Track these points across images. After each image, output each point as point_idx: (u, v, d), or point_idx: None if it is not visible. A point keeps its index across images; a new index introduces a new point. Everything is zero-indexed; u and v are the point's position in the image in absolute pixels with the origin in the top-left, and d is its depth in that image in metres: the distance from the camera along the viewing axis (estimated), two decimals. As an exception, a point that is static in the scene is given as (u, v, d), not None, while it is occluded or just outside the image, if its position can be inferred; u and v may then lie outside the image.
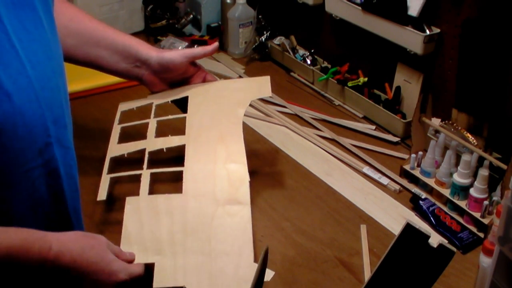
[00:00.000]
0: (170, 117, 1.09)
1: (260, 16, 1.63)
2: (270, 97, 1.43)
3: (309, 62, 1.53)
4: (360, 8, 1.31)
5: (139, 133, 1.07)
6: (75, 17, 1.04)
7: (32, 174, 0.71)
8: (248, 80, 1.18)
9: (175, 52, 1.08)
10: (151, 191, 0.93)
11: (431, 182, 1.11)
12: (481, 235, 1.01)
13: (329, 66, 1.50)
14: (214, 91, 1.11)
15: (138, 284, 0.79)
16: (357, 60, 1.44)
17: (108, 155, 1.03)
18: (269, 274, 0.80)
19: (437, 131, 1.14)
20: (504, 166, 0.99)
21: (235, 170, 0.95)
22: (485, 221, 1.00)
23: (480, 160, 1.05)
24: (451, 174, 1.07)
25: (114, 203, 1.05)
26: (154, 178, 0.95)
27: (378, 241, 1.01)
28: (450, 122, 1.14)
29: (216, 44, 1.12)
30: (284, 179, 1.16)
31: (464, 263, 0.96)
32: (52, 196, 0.75)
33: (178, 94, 1.11)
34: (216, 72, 1.49)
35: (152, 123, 1.08)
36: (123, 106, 1.15)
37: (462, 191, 1.04)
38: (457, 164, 1.06)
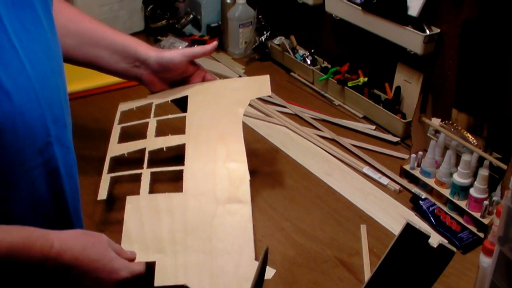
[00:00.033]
0: (170, 116, 1.09)
1: (260, 16, 1.63)
2: (270, 97, 1.44)
3: (309, 62, 1.53)
4: (360, 8, 1.31)
5: (139, 133, 1.07)
6: (73, 17, 1.04)
7: (32, 173, 0.71)
8: (247, 79, 1.18)
9: (174, 51, 1.08)
10: (151, 191, 0.93)
11: (431, 182, 1.11)
12: (481, 235, 1.01)
13: (329, 66, 1.50)
14: (214, 90, 1.11)
15: (139, 282, 0.79)
16: (357, 60, 1.44)
17: (108, 155, 1.03)
18: (270, 272, 0.80)
19: (437, 131, 1.14)
20: (504, 166, 0.99)
21: (236, 169, 0.95)
22: (485, 221, 1.00)
23: (480, 160, 1.05)
24: (451, 174, 1.07)
25: (114, 203, 1.05)
26: (154, 178, 0.95)
27: (378, 241, 1.01)
28: (450, 122, 1.14)
29: (215, 43, 1.12)
30: (284, 179, 1.16)
31: (464, 263, 0.96)
32: (52, 195, 0.76)
33: (178, 93, 1.11)
34: (216, 72, 1.49)
35: (152, 123, 1.08)
36: (123, 106, 1.16)
37: (462, 191, 1.04)
38: (457, 164, 1.06)
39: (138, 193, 0.92)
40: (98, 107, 1.36)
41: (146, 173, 0.96)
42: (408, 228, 0.71)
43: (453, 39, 1.18)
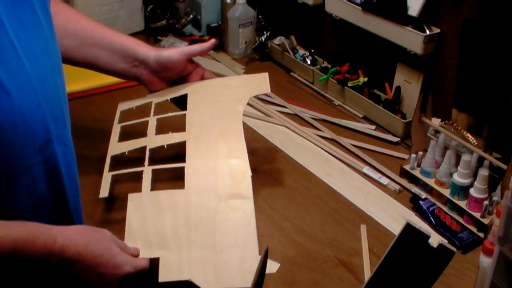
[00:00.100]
0: (170, 114, 1.10)
1: (260, 16, 1.63)
2: (270, 97, 1.44)
3: (309, 62, 1.53)
4: (360, 8, 1.31)
5: (139, 132, 1.07)
6: (72, 18, 1.04)
7: (32, 171, 0.71)
8: (246, 77, 1.18)
9: (173, 50, 1.08)
10: (152, 190, 0.93)
11: (431, 182, 1.11)
12: (481, 235, 1.01)
13: (329, 66, 1.50)
14: (213, 89, 1.11)
15: (143, 278, 0.79)
16: (357, 60, 1.44)
17: (109, 154, 1.03)
18: (274, 266, 0.80)
19: (437, 131, 1.14)
20: (504, 166, 0.99)
21: (237, 165, 0.96)
22: (485, 221, 1.00)
23: (480, 160, 1.05)
24: (451, 174, 1.07)
25: (114, 203, 1.05)
26: (155, 178, 0.95)
27: (378, 241, 1.01)
28: (450, 122, 1.14)
29: (213, 40, 1.12)
30: (284, 179, 1.16)
31: (464, 263, 0.96)
32: (53, 194, 0.76)
33: (177, 92, 1.11)
34: (216, 72, 1.48)
35: (152, 121, 1.08)
36: (123, 106, 1.16)
37: (462, 191, 1.04)
38: (457, 164, 1.06)
39: (139, 192, 0.92)
40: (98, 107, 1.36)
41: (147, 171, 0.96)
42: (408, 228, 0.71)
43: (453, 39, 1.18)
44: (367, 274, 0.93)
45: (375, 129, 1.33)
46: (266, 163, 1.20)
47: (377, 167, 1.19)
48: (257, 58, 1.63)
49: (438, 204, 1.08)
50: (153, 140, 1.04)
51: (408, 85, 1.30)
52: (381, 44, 1.30)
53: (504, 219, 0.67)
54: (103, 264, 0.73)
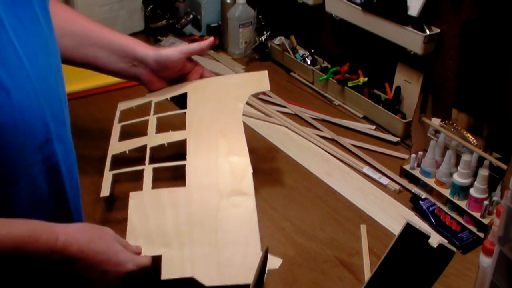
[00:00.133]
0: (170, 113, 1.10)
1: (260, 16, 1.63)
2: (270, 97, 1.44)
3: (309, 62, 1.53)
4: (360, 8, 1.31)
5: (139, 132, 1.07)
6: (70, 18, 1.04)
7: (32, 170, 0.71)
8: (246, 75, 1.18)
9: (172, 49, 1.08)
10: (153, 189, 0.93)
11: (431, 182, 1.11)
12: (481, 235, 1.01)
13: (329, 66, 1.50)
14: (212, 87, 1.11)
15: (146, 275, 0.78)
16: (357, 60, 1.44)
17: (110, 153, 1.03)
18: (277, 262, 0.80)
19: (437, 131, 1.14)
20: (504, 166, 0.99)
21: (238, 162, 0.96)
22: (485, 221, 1.00)
23: (480, 160, 1.05)
24: (451, 174, 1.07)
25: (114, 203, 1.05)
26: (155, 177, 0.95)
27: (378, 241, 1.01)
28: (450, 122, 1.14)
29: (211, 38, 1.12)
30: (284, 179, 1.16)
31: (464, 263, 0.96)
32: (53, 193, 0.76)
33: (177, 90, 1.11)
34: (216, 72, 1.48)
35: (152, 120, 1.08)
36: (123, 105, 1.16)
37: (462, 191, 1.04)
38: (457, 164, 1.06)
39: (139, 191, 0.92)
40: (98, 107, 1.36)
41: (148, 169, 0.96)
42: (408, 228, 0.71)
43: (453, 39, 1.18)
44: (367, 274, 0.93)
45: (375, 129, 1.33)
46: (266, 163, 1.21)
47: (377, 167, 1.19)
48: (257, 58, 1.63)
49: (438, 204, 1.08)
50: (153, 139, 1.04)
51: (408, 85, 1.30)
52: (381, 44, 1.30)
53: (504, 219, 0.67)
54: (105, 261, 0.73)
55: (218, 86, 1.12)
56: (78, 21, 1.05)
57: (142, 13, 1.72)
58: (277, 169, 1.19)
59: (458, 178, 1.04)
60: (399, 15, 1.21)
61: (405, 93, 1.32)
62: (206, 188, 0.91)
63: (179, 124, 1.05)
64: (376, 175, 1.17)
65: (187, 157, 0.97)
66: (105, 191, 0.95)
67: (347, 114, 1.39)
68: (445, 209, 1.07)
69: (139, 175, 0.96)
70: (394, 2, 1.22)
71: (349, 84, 1.40)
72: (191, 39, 1.68)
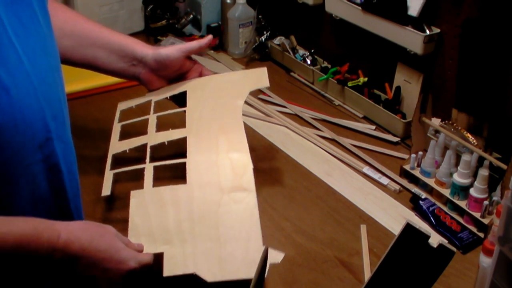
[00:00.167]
0: (169, 111, 1.10)
1: (260, 16, 1.63)
2: (270, 97, 1.44)
3: (309, 62, 1.53)
4: (360, 8, 1.31)
5: (139, 131, 1.07)
6: (69, 19, 1.04)
7: (32, 169, 0.71)
8: (245, 72, 1.18)
9: (171, 47, 1.08)
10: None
11: (431, 182, 1.11)
12: (481, 235, 1.01)
13: (329, 66, 1.50)
14: (212, 85, 1.11)
15: (147, 273, 0.79)
16: (357, 60, 1.44)
17: (110, 152, 1.03)
18: (279, 256, 0.80)
19: (437, 131, 1.14)
20: (504, 166, 0.99)
21: (238, 158, 0.96)
22: (485, 221, 1.00)
23: (480, 160, 1.05)
24: (451, 174, 1.07)
25: (115, 202, 1.05)
26: (156, 176, 0.95)
27: (378, 241, 1.01)
28: (450, 122, 1.14)
29: (210, 36, 1.12)
30: (284, 179, 1.16)
31: (464, 263, 0.96)
32: (53, 192, 0.76)
33: (176, 89, 1.11)
34: (216, 72, 1.48)
35: (152, 119, 1.08)
36: (122, 105, 1.16)
37: (462, 191, 1.04)
38: (457, 164, 1.06)
39: (140, 189, 0.92)
40: (98, 107, 1.36)
41: (149, 168, 0.96)
42: (408, 228, 0.71)
43: (453, 39, 1.18)
44: (367, 274, 0.93)
45: (375, 129, 1.33)
46: (266, 163, 1.21)
47: (377, 167, 1.19)
48: (257, 58, 1.63)
49: (438, 204, 1.08)
50: (153, 138, 1.04)
51: (408, 85, 1.30)
52: (381, 44, 1.30)
53: (504, 219, 0.67)
54: (107, 259, 0.73)
55: (218, 84, 1.12)
56: (77, 22, 1.05)
57: (142, 13, 1.72)
58: (277, 169, 1.19)
59: (458, 178, 1.04)
60: (399, 15, 1.21)
61: (405, 93, 1.32)
62: (207, 185, 0.92)
63: (179, 122, 1.05)
64: (376, 175, 1.17)
65: (187, 154, 0.97)
66: (106, 190, 0.95)
67: (347, 114, 1.39)
68: (445, 209, 1.07)
69: (139, 175, 0.96)
70: (394, 2, 1.22)
71: (349, 84, 1.40)
72: (191, 39, 1.67)
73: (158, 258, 0.80)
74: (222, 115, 1.04)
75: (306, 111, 1.39)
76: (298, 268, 0.95)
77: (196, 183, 0.92)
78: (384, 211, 1.08)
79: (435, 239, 0.71)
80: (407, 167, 1.15)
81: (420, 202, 1.07)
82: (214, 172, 0.93)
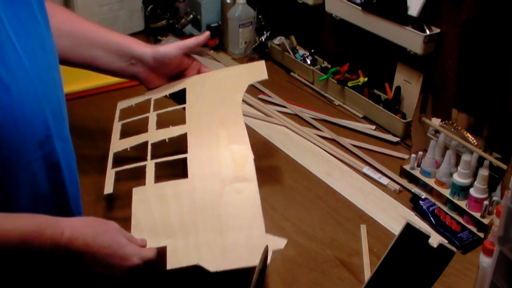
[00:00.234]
0: (169, 109, 1.10)
1: (260, 16, 1.63)
2: (270, 97, 1.44)
3: (309, 62, 1.53)
4: (360, 8, 1.31)
5: (139, 129, 1.07)
6: (67, 19, 1.04)
7: (33, 167, 0.72)
8: (243, 66, 1.18)
9: (169, 45, 1.09)
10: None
11: (431, 182, 1.11)
12: (481, 235, 1.01)
13: (329, 66, 1.50)
14: (211, 80, 1.12)
15: (151, 268, 0.79)
16: (357, 60, 1.44)
17: (111, 151, 1.04)
18: (281, 242, 0.80)
19: (437, 131, 1.14)
20: (504, 166, 0.99)
21: (239, 149, 0.96)
22: (485, 221, 1.00)
23: (480, 160, 1.05)
24: (451, 174, 1.07)
25: (115, 202, 1.05)
26: (157, 175, 0.95)
27: (378, 241, 1.01)
28: (450, 122, 1.14)
29: (207, 33, 1.13)
30: (284, 179, 1.16)
31: (464, 263, 0.96)
32: (53, 189, 0.76)
33: (175, 87, 1.11)
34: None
35: (152, 117, 1.08)
36: (122, 104, 1.16)
37: (462, 191, 1.04)
38: (457, 164, 1.06)
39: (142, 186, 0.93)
40: (98, 107, 1.36)
41: (150, 165, 0.96)
42: (408, 228, 0.71)
43: (453, 39, 1.18)
44: (367, 274, 0.93)
45: (375, 129, 1.33)
46: (266, 163, 1.21)
47: (377, 167, 1.19)
48: (257, 58, 1.63)
49: (438, 204, 1.08)
50: (154, 135, 1.04)
51: (408, 85, 1.30)
52: (381, 44, 1.30)
53: (504, 219, 0.67)
54: (111, 255, 0.73)
55: (216, 79, 1.12)
56: (75, 22, 1.05)
57: (142, 13, 1.72)
58: (277, 169, 1.19)
59: (458, 178, 1.04)
60: (399, 15, 1.21)
61: (405, 93, 1.32)
62: (208, 177, 0.92)
63: (179, 119, 1.05)
64: (376, 175, 1.17)
65: (188, 150, 0.97)
66: (108, 189, 0.95)
67: (347, 114, 1.39)
68: (445, 209, 1.07)
69: (139, 174, 0.96)
70: (394, 2, 1.22)
71: (349, 84, 1.40)
72: (191, 39, 1.68)
73: (161, 256, 0.80)
74: (222, 109, 1.04)
75: (306, 111, 1.39)
76: (298, 268, 0.95)
77: (197, 176, 0.92)
78: (384, 211, 1.08)
79: (435, 239, 0.71)
80: (407, 167, 1.15)
81: (420, 202, 1.07)
82: (215, 164, 0.94)
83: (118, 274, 0.75)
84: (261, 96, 1.45)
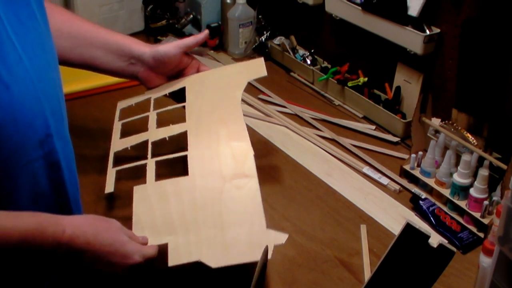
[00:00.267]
0: (169, 107, 1.10)
1: (260, 16, 1.63)
2: (270, 97, 1.44)
3: (309, 62, 1.53)
4: (360, 8, 1.31)
5: (140, 129, 1.07)
6: (66, 19, 1.04)
7: (33, 166, 0.72)
8: (242, 64, 1.18)
9: (168, 44, 1.09)
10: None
11: (431, 182, 1.11)
12: (481, 235, 1.01)
13: (329, 66, 1.50)
14: (210, 79, 1.12)
15: (152, 266, 0.79)
16: (357, 60, 1.44)
17: (112, 150, 1.04)
18: (283, 237, 0.80)
19: (437, 131, 1.14)
20: (504, 166, 1.00)
21: (239, 146, 0.96)
22: (485, 221, 1.00)
23: (480, 160, 1.05)
24: (451, 174, 1.07)
25: (115, 201, 1.05)
26: (157, 173, 0.95)
27: (378, 241, 1.01)
28: (450, 122, 1.14)
29: (206, 31, 1.13)
30: (284, 179, 1.16)
31: (464, 263, 0.96)
32: (53, 188, 0.76)
33: (175, 85, 1.11)
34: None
35: (152, 116, 1.09)
36: (122, 104, 1.16)
37: (462, 191, 1.04)
38: (457, 164, 1.06)
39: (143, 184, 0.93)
40: (98, 107, 1.36)
41: (150, 163, 0.96)
42: (408, 228, 0.71)
43: (453, 39, 1.18)
44: (367, 274, 0.93)
45: (375, 129, 1.33)
46: (266, 163, 1.20)
47: (377, 167, 1.19)
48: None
49: (438, 204, 1.08)
50: (154, 134, 1.04)
51: (408, 85, 1.30)
52: (381, 44, 1.30)
53: (504, 219, 0.67)
54: (112, 253, 0.74)
55: (216, 77, 1.12)
56: (74, 23, 1.05)
57: (142, 13, 1.72)
58: (277, 169, 1.19)
59: (458, 178, 1.04)
60: (399, 15, 1.21)
61: (405, 93, 1.32)
62: (209, 174, 0.92)
63: (179, 118, 1.05)
64: (376, 175, 1.17)
65: (188, 147, 0.97)
66: (109, 188, 0.96)
67: (347, 114, 1.39)
68: (445, 209, 1.07)
69: (139, 174, 0.96)
70: (394, 2, 1.22)
71: (349, 84, 1.40)
72: (191, 39, 1.68)
73: (162, 252, 0.80)
74: (221, 106, 1.05)
75: (306, 111, 1.39)
76: (298, 268, 0.95)
77: (198, 174, 0.92)
78: (384, 211, 1.08)
79: (435, 239, 0.71)
80: (407, 167, 1.15)
81: (420, 202, 1.07)
82: (216, 161, 0.94)
83: (120, 272, 0.75)
84: (261, 96, 1.45)
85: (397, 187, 1.14)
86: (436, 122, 1.15)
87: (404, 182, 1.15)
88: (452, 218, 1.04)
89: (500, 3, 1.05)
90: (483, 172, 0.99)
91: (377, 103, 1.34)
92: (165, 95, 1.11)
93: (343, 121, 1.35)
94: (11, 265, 0.69)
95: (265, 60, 1.60)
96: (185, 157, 0.96)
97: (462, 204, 1.05)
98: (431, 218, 1.04)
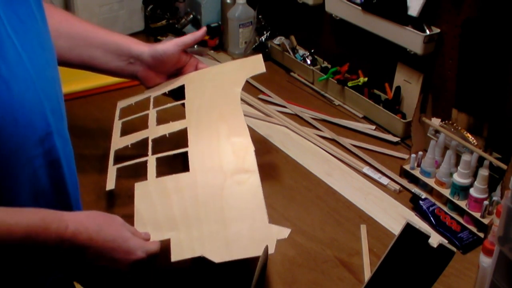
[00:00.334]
0: (169, 105, 1.10)
1: (260, 16, 1.63)
2: (270, 97, 1.44)
3: (309, 62, 1.53)
4: (360, 8, 1.31)
5: (140, 127, 1.07)
6: (65, 20, 1.04)
7: (33, 163, 0.72)
8: (240, 61, 1.19)
9: (167, 43, 1.09)
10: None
11: (431, 182, 1.11)
12: (481, 235, 1.01)
13: (329, 66, 1.50)
14: (209, 76, 1.12)
15: (154, 262, 0.79)
16: (357, 60, 1.44)
17: (112, 148, 1.04)
18: (285, 232, 0.80)
19: (437, 131, 1.14)
20: (504, 166, 0.99)
21: (239, 142, 0.96)
22: (485, 221, 1.00)
23: (480, 160, 1.05)
24: (451, 174, 1.07)
25: (116, 200, 1.05)
26: (158, 171, 0.95)
27: (378, 241, 1.01)
28: (450, 122, 1.14)
29: (204, 28, 1.13)
30: (284, 179, 1.16)
31: (464, 263, 0.96)
32: (53, 186, 0.76)
33: (174, 84, 1.11)
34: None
35: (152, 114, 1.09)
36: (122, 103, 1.16)
37: (462, 191, 1.04)
38: (457, 164, 1.06)
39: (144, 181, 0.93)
40: (98, 107, 1.36)
41: (151, 160, 0.97)
42: (408, 228, 0.71)
43: (453, 39, 1.18)
44: (367, 274, 0.93)
45: (375, 129, 1.33)
46: (266, 164, 1.20)
47: (377, 167, 1.19)
48: (257, 58, 1.63)
49: (438, 204, 1.08)
50: (154, 131, 1.04)
51: (408, 85, 1.30)
52: (381, 44, 1.30)
53: (504, 219, 0.67)
54: (115, 249, 0.74)
55: (215, 74, 1.12)
56: (73, 23, 1.05)
57: (142, 13, 1.72)
58: (277, 169, 1.19)
59: (458, 178, 1.04)
60: (399, 15, 1.21)
61: (405, 93, 1.32)
62: (210, 170, 0.92)
63: (179, 115, 1.05)
64: (376, 175, 1.17)
65: (189, 144, 0.97)
66: (110, 185, 0.96)
67: (347, 114, 1.39)
68: (445, 209, 1.07)
69: (140, 172, 0.96)
70: (394, 2, 1.22)
71: (349, 84, 1.40)
72: (191, 39, 1.68)
73: (164, 249, 0.80)
74: (221, 103, 1.05)
75: (306, 111, 1.39)
76: (298, 268, 0.95)
77: (198, 170, 0.92)
78: (384, 211, 1.08)
79: (435, 239, 0.71)
80: (407, 167, 1.15)
81: (420, 202, 1.07)
82: (216, 157, 0.94)
83: (122, 268, 0.75)
84: (261, 96, 1.45)
85: (397, 187, 1.14)
86: (436, 122, 1.15)
87: (404, 182, 1.15)
88: (452, 218, 1.04)
89: (500, 3, 1.05)
90: (483, 172, 0.99)
91: (377, 103, 1.34)
92: (165, 94, 1.11)
93: (343, 121, 1.35)
94: (14, 262, 0.69)
95: (265, 60, 1.60)
96: (186, 154, 0.96)
97: (462, 204, 1.05)
98: (431, 218, 1.04)
